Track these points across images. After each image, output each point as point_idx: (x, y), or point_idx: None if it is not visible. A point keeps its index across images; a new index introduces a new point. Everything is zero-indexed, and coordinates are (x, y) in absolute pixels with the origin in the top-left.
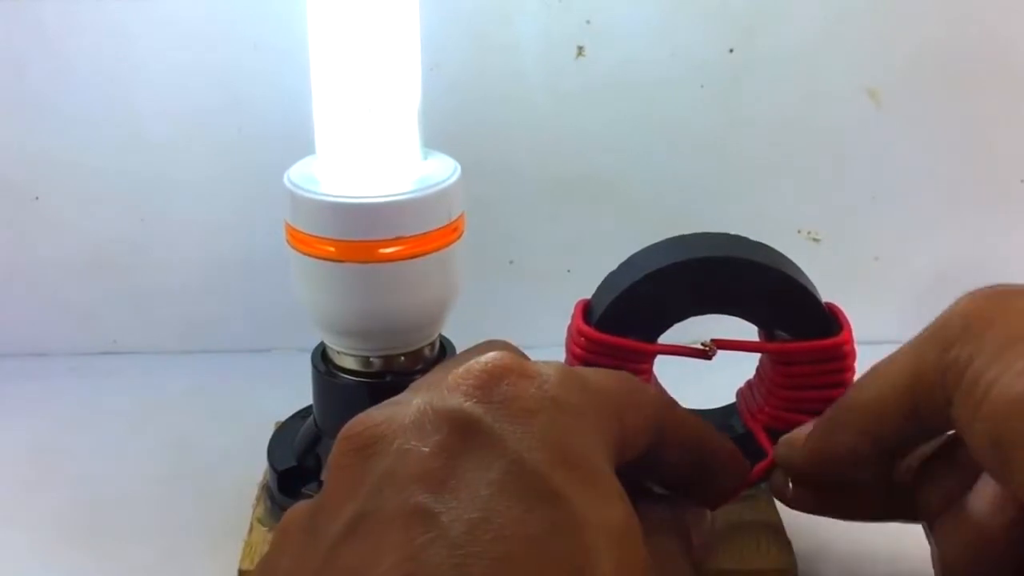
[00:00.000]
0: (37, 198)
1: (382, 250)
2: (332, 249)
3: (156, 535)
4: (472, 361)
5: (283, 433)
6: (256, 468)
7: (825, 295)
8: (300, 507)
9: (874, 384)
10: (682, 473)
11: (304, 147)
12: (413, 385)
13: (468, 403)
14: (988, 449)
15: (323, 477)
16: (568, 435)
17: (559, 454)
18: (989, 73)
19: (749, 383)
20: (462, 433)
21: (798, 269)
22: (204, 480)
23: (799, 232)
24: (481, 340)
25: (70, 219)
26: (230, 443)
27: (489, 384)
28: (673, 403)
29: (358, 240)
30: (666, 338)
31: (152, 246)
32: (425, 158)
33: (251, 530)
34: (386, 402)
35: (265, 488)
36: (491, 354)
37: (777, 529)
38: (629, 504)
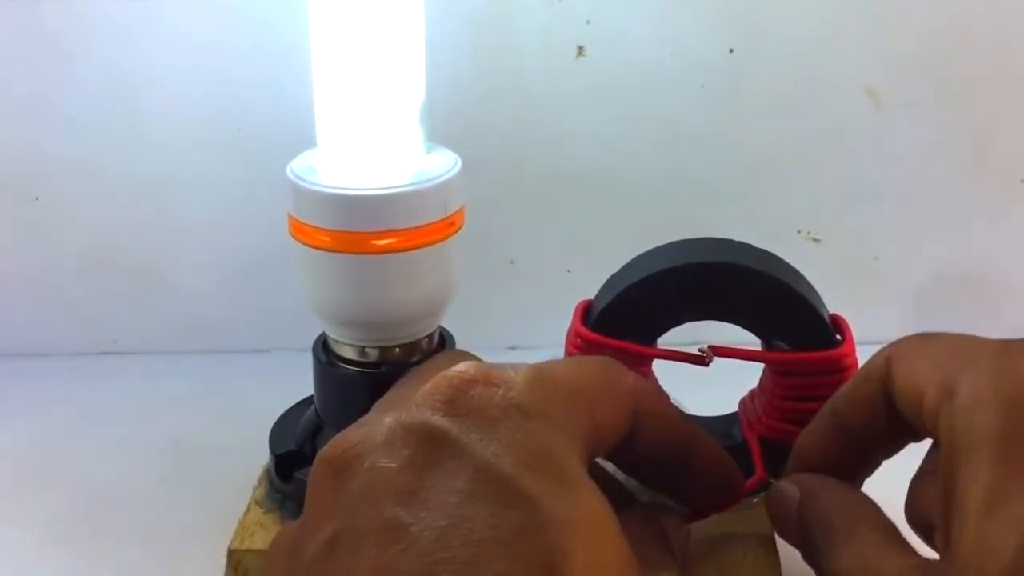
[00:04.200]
0: (37, 198)
1: (375, 242)
2: (327, 239)
3: (155, 535)
4: (439, 375)
5: (287, 419)
6: (256, 468)
7: (825, 295)
8: (285, 530)
9: (848, 383)
10: (662, 468)
11: (305, 147)
12: (378, 403)
13: (435, 416)
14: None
15: (305, 501)
16: (534, 439)
17: (525, 457)
18: (989, 73)
19: (752, 392)
20: (430, 446)
21: (801, 278)
22: (204, 480)
23: (799, 232)
24: (481, 340)
25: (70, 219)
26: (230, 443)
27: (455, 396)
28: (655, 393)
29: (352, 231)
30: (669, 342)
31: (152, 246)
32: (428, 152)
33: (247, 510)
34: (359, 422)
35: (267, 471)
36: (458, 366)
37: (767, 542)
38: (602, 498)
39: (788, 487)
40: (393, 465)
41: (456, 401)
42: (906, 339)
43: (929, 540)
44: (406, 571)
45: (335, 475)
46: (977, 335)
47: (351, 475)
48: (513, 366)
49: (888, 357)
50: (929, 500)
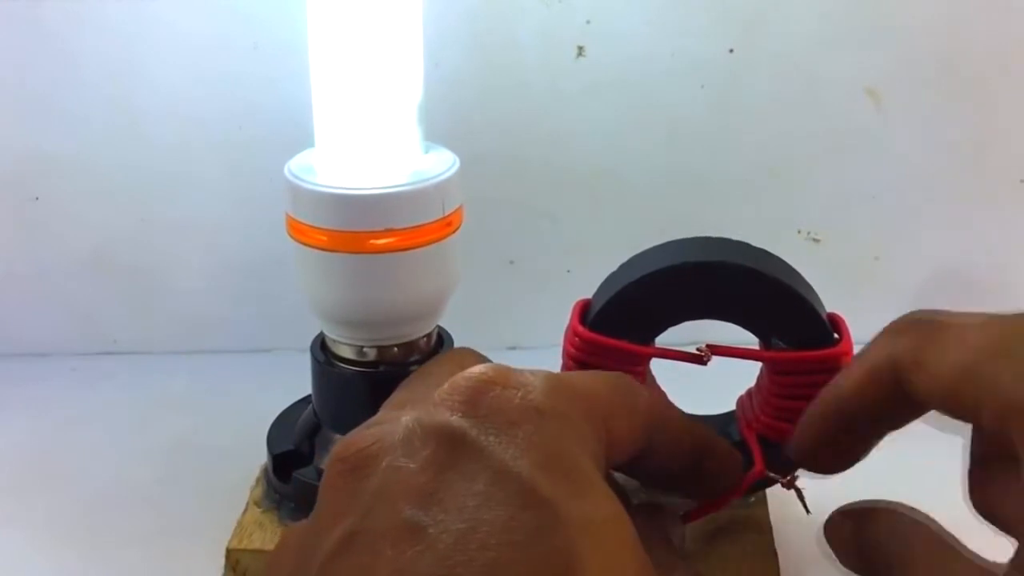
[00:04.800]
0: (37, 198)
1: (372, 241)
2: (324, 238)
3: (155, 535)
4: (458, 376)
5: (284, 419)
6: (255, 468)
7: (825, 295)
8: (295, 528)
9: (840, 377)
10: (677, 475)
11: (305, 146)
12: (388, 402)
13: (454, 417)
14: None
15: (317, 499)
16: (552, 442)
17: (543, 460)
18: (988, 73)
19: (749, 391)
20: (449, 447)
21: (798, 277)
22: (203, 480)
23: (799, 232)
24: (481, 340)
25: (70, 219)
26: (230, 443)
27: (474, 398)
28: (667, 406)
29: (350, 231)
30: (667, 341)
31: (152, 246)
32: (427, 152)
33: (245, 510)
34: (373, 420)
35: (265, 471)
36: (476, 368)
37: (766, 541)
38: (617, 502)
39: (842, 519)
40: (412, 465)
41: (475, 402)
42: (909, 332)
43: (1007, 530)
44: (423, 573)
45: (351, 473)
46: (977, 313)
47: (367, 474)
48: (531, 371)
49: (896, 360)
50: (1001, 492)
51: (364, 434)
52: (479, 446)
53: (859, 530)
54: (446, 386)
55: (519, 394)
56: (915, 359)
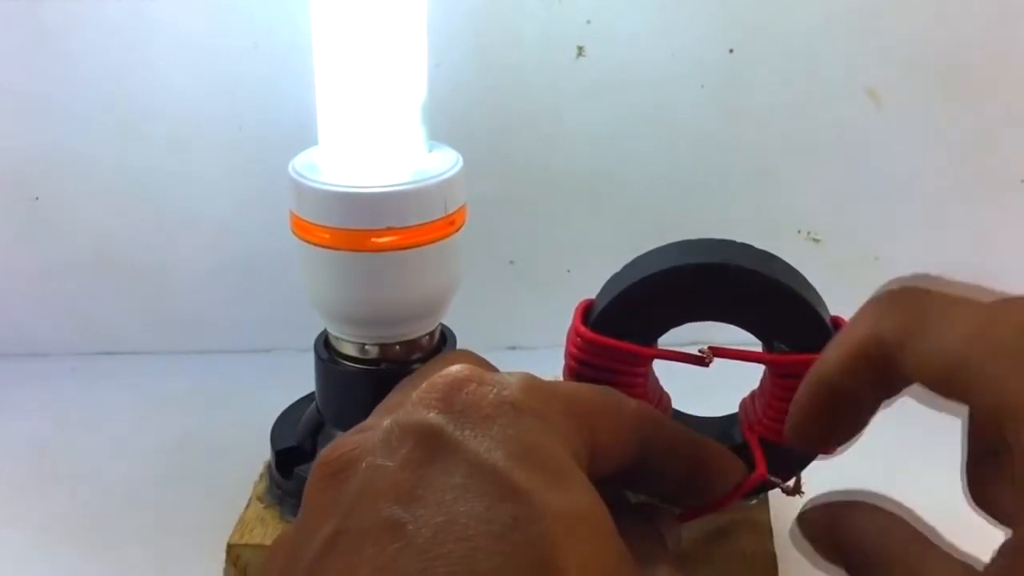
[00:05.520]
0: (37, 198)
1: (375, 239)
2: (328, 236)
3: (155, 535)
4: (435, 376)
5: (288, 416)
6: (255, 468)
7: (825, 295)
8: (284, 532)
9: (826, 354)
10: (677, 485)
11: (306, 146)
12: (377, 408)
13: (431, 415)
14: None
15: (302, 505)
16: (526, 435)
17: (519, 452)
18: (989, 73)
19: (752, 393)
20: (426, 444)
21: (802, 280)
22: (204, 480)
23: (799, 232)
24: (481, 340)
25: (70, 219)
26: (230, 443)
27: (450, 395)
28: (659, 417)
29: (353, 228)
30: (669, 342)
31: (152, 246)
32: (431, 151)
33: (248, 506)
34: (358, 427)
35: (268, 467)
36: (452, 367)
37: (765, 543)
38: (595, 493)
39: (816, 513)
40: (390, 464)
41: (451, 399)
42: (895, 309)
43: (1001, 521)
44: (404, 570)
45: (333, 476)
46: (960, 288)
47: (348, 476)
48: (510, 373)
49: (882, 339)
50: (995, 484)
51: (346, 440)
52: (455, 441)
53: (834, 524)
54: (423, 386)
55: (494, 391)
56: (900, 340)
